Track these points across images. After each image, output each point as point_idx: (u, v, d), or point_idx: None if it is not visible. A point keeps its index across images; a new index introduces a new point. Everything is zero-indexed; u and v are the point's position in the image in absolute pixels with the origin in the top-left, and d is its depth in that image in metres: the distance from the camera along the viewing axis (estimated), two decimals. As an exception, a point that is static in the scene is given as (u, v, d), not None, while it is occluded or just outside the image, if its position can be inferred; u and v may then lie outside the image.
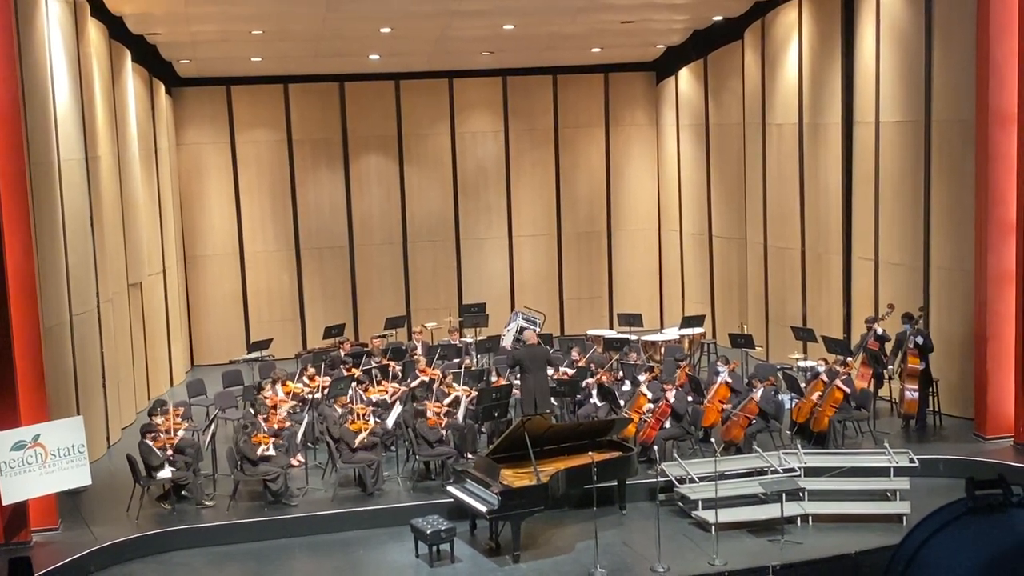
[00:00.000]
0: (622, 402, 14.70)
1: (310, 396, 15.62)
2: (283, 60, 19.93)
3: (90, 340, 14.75)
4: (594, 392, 15.21)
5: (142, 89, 18.42)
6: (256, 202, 21.14)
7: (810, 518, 12.35)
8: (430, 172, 21.83)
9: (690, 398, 14.45)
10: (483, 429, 14.78)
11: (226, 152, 20.95)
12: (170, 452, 13.14)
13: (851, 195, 17.01)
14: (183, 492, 13.27)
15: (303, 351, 19.66)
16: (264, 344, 18.54)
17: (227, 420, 15.69)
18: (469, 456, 13.88)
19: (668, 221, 22.48)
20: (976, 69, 14.07)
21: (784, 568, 10.57)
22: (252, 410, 13.90)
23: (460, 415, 14.52)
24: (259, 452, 13.04)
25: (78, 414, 13.18)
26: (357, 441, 13.34)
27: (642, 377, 15.02)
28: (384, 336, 18.80)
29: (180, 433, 13.59)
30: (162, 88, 19.72)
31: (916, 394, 14.65)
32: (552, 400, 15.12)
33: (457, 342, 17.91)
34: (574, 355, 16.32)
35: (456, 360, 16.85)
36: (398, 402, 14.90)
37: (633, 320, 19.07)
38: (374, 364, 16.50)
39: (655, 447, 13.70)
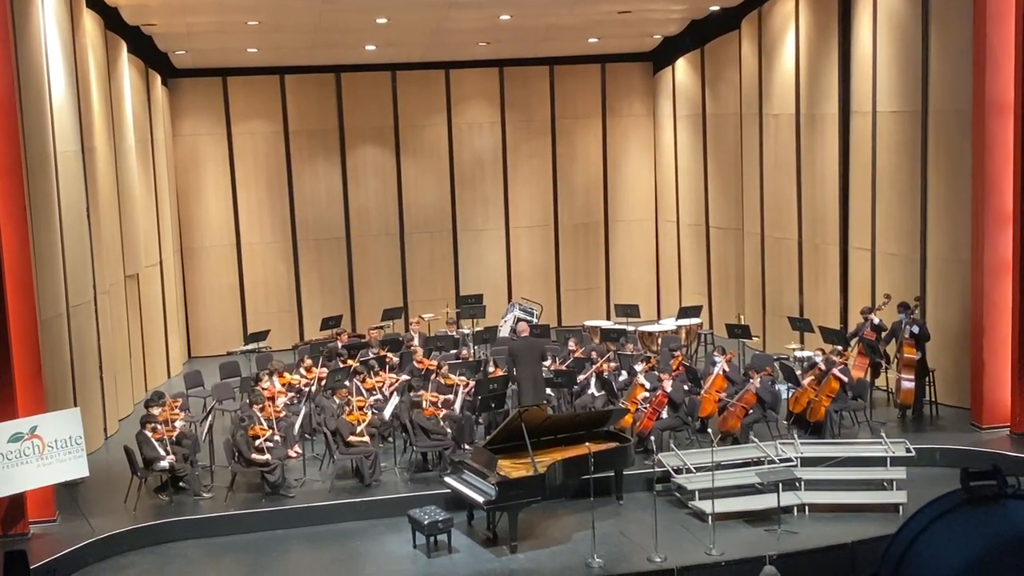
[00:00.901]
0: (621, 392, 14.72)
1: (307, 388, 15.63)
2: (279, 51, 19.90)
3: (87, 332, 14.75)
4: (592, 382, 15.23)
5: (138, 80, 18.38)
6: (253, 193, 21.12)
7: (807, 508, 12.37)
8: (427, 163, 21.81)
9: (687, 388, 14.47)
10: (480, 420, 14.79)
11: (222, 143, 20.93)
12: (169, 444, 13.14)
13: (848, 185, 17.01)
14: (181, 484, 13.27)
15: (300, 342, 19.68)
16: (261, 336, 18.55)
17: (224, 411, 15.70)
18: (466, 447, 13.89)
19: (665, 212, 22.48)
20: (973, 58, 14.06)
21: (781, 558, 10.59)
22: (249, 401, 13.90)
23: (457, 406, 14.53)
24: (256, 445, 13.04)
25: (75, 406, 13.17)
26: (353, 438, 13.33)
27: (639, 367, 15.04)
28: (381, 327, 18.79)
29: (178, 425, 13.60)
30: (158, 79, 19.68)
31: (913, 384, 14.67)
32: (548, 391, 15.12)
33: (454, 333, 17.92)
34: (571, 346, 16.34)
35: (453, 351, 16.87)
36: (395, 393, 14.91)
37: (630, 311, 19.09)
38: (371, 355, 16.50)
39: (652, 437, 13.72)
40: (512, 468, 12.07)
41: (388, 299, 20.99)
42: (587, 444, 12.15)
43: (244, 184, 21.06)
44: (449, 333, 17.89)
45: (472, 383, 14.76)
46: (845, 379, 14.33)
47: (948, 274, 15.07)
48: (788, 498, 12.20)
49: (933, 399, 14.94)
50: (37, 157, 13.00)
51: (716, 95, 20.38)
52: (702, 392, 14.57)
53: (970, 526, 2.45)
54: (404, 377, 15.73)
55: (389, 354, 16.59)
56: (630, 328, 18.32)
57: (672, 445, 13.63)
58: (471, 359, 16.42)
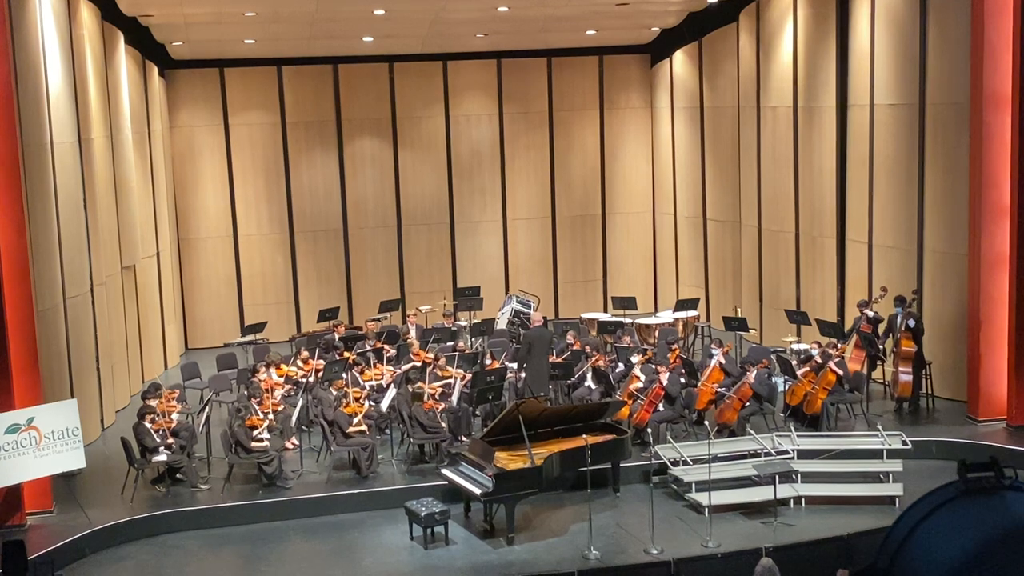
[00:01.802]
0: (618, 385, 14.73)
1: (304, 379, 15.63)
2: (276, 42, 19.86)
3: (84, 323, 14.73)
4: (589, 375, 15.24)
5: (135, 71, 18.34)
6: (250, 185, 21.10)
7: (803, 500, 12.40)
8: (424, 155, 21.79)
9: (683, 380, 14.48)
10: (477, 412, 14.80)
11: (220, 134, 20.90)
12: (165, 434, 13.14)
13: (845, 178, 17.01)
14: (178, 475, 13.28)
15: (297, 334, 19.68)
16: (258, 327, 18.53)
17: (221, 403, 15.70)
18: (463, 439, 13.90)
19: (662, 204, 22.48)
20: (971, 52, 14.07)
21: (777, 550, 10.59)
22: (246, 393, 13.89)
23: (454, 398, 14.53)
24: (254, 435, 13.05)
25: (72, 397, 13.17)
26: (351, 429, 13.34)
27: (635, 359, 15.05)
28: (378, 319, 18.79)
29: (174, 416, 13.59)
30: (155, 70, 19.64)
31: (909, 376, 14.69)
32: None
33: (451, 325, 17.92)
34: (569, 338, 16.34)
35: (450, 343, 16.87)
36: (392, 385, 14.91)
37: (627, 303, 19.09)
38: (368, 347, 16.49)
39: (649, 430, 13.72)
40: (509, 460, 12.09)
41: (385, 291, 20.98)
42: (584, 436, 12.17)
43: (241, 175, 21.03)
44: (446, 325, 17.89)
45: (468, 375, 14.77)
46: (841, 372, 14.35)
47: (945, 267, 15.08)
48: (785, 490, 12.21)
49: (930, 392, 14.97)
50: (34, 148, 12.98)
51: (714, 88, 20.37)
52: (699, 385, 14.57)
53: (968, 517, 2.45)
54: (406, 367, 15.74)
55: (386, 346, 16.59)
56: (627, 320, 18.32)
57: (669, 437, 13.65)
58: (468, 351, 16.42)
